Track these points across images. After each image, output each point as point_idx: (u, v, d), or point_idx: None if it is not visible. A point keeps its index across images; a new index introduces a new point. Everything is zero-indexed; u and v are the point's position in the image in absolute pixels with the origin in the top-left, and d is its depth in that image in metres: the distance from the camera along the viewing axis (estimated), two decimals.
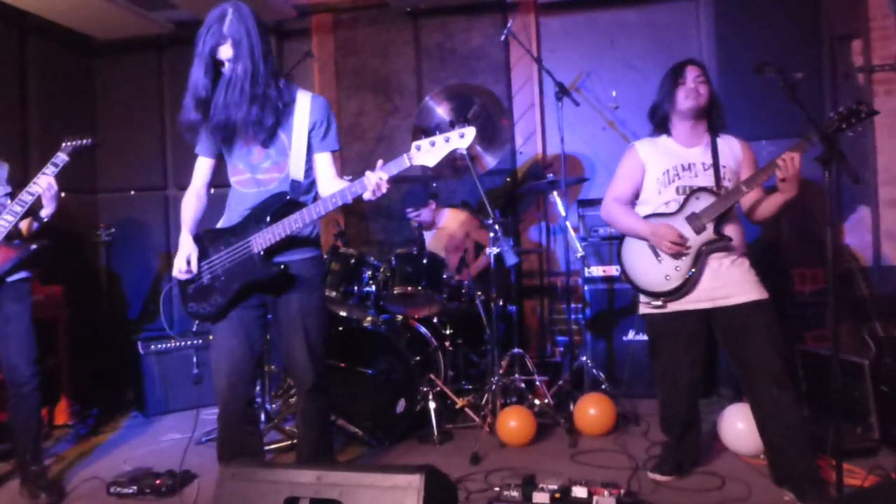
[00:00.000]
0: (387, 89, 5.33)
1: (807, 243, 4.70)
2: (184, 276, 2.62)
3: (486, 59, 5.17)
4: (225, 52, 2.48)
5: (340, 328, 3.78)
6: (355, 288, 3.90)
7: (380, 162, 2.47)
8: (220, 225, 2.73)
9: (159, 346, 4.50)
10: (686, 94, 2.84)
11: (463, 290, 4.10)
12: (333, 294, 3.86)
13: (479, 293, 4.08)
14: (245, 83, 2.47)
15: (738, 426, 3.19)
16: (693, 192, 2.80)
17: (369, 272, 3.93)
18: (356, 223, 5.36)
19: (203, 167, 2.76)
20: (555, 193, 4.12)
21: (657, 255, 2.84)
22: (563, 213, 4.15)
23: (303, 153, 2.63)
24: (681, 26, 4.94)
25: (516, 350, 4.05)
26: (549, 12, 5.10)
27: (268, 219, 2.55)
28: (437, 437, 3.62)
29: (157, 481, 3.05)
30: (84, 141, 3.22)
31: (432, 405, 3.67)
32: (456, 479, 3.06)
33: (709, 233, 2.76)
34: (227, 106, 2.48)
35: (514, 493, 2.61)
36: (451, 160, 4.05)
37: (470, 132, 2.40)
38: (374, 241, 5.30)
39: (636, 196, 3.00)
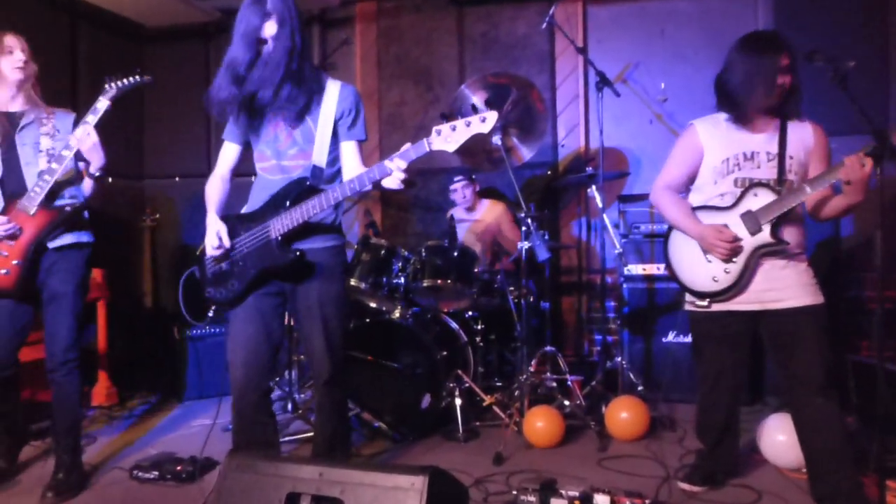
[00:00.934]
0: (428, 79, 5.26)
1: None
2: (217, 253, 2.60)
3: (530, 49, 5.04)
4: (269, 28, 2.45)
5: (367, 320, 3.73)
6: (385, 279, 3.84)
7: (407, 145, 2.41)
8: (243, 211, 2.71)
9: (195, 331, 4.54)
10: (769, 93, 2.52)
11: (495, 285, 4.01)
12: (363, 285, 3.81)
13: (511, 288, 3.98)
14: (286, 61, 2.45)
15: (778, 438, 3.01)
16: (751, 186, 2.57)
17: (400, 264, 3.86)
18: (393, 214, 5.30)
19: (229, 153, 2.75)
20: (593, 188, 3.97)
21: (706, 254, 2.65)
22: (600, 207, 3.99)
23: (327, 141, 2.59)
24: (737, 16, 4.71)
25: (548, 348, 3.93)
26: (597, 1, 4.94)
27: (287, 204, 2.51)
28: (463, 434, 3.54)
29: (179, 467, 3.06)
30: (130, 79, 2.89)
31: (458, 402, 3.59)
32: (477, 479, 2.98)
33: (765, 235, 2.54)
34: (263, 80, 2.46)
35: (532, 498, 2.51)
36: (487, 151, 3.96)
37: (491, 116, 2.29)
38: (411, 232, 5.24)
39: (691, 181, 2.78)
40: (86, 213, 3.07)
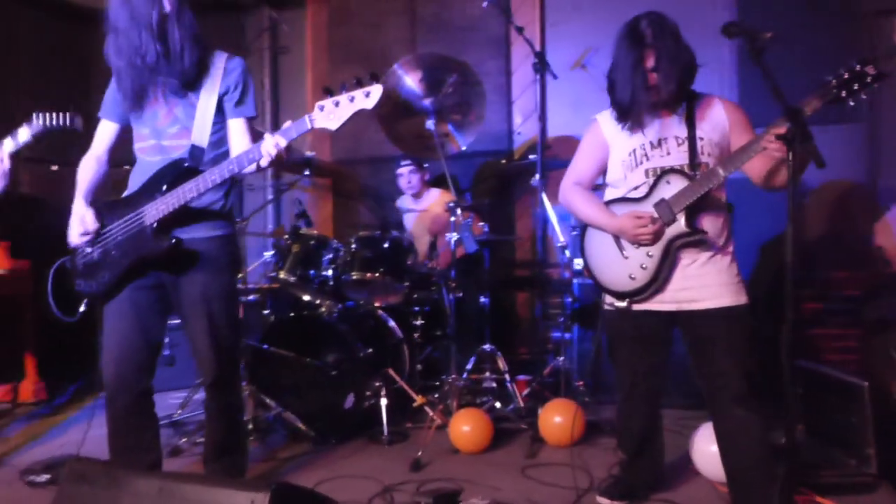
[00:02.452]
0: (379, 63, 5.02)
1: (841, 244, 4.24)
2: (84, 240, 2.39)
3: (484, 33, 4.80)
4: None
5: (291, 314, 3.54)
6: (313, 272, 3.63)
7: (288, 122, 2.22)
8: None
9: None
10: (643, 88, 2.30)
11: (433, 279, 3.80)
12: (291, 278, 3.62)
13: (451, 283, 3.77)
14: (184, 24, 2.30)
15: (710, 448, 2.76)
16: (664, 173, 2.36)
17: (330, 255, 3.66)
18: (343, 203, 5.10)
19: (106, 132, 2.53)
20: (536, 177, 3.74)
21: (622, 250, 2.44)
22: (544, 199, 3.76)
23: (209, 118, 2.39)
24: None
25: (487, 346, 3.71)
26: None
27: (163, 188, 2.31)
28: (387, 437, 3.34)
29: None
30: (59, 121, 2.67)
31: (384, 402, 3.38)
32: (386, 486, 2.78)
33: (679, 225, 2.32)
34: (156, 49, 2.27)
35: None
36: (424, 138, 3.71)
37: (376, 90, 2.12)
38: (360, 223, 5.04)
39: (602, 175, 2.59)
40: None
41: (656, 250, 2.35)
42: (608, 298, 2.52)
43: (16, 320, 4.15)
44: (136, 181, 2.44)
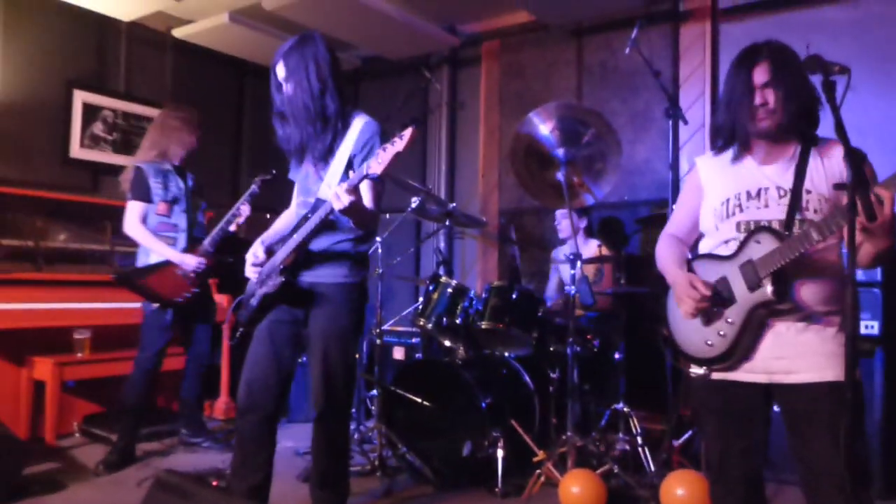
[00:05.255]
0: None
1: None
2: (254, 271, 2.72)
3: (650, 77, 4.62)
4: (280, 71, 2.62)
5: (420, 359, 3.68)
6: (446, 319, 3.75)
7: (351, 173, 2.43)
8: None
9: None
10: (747, 116, 2.06)
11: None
12: (428, 324, 3.78)
13: (588, 336, 3.65)
14: (305, 101, 2.57)
15: None
16: (755, 231, 2.09)
17: (466, 303, 3.75)
18: (508, 251, 5.17)
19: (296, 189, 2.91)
20: None
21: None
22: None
23: (338, 175, 2.60)
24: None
25: (619, 405, 3.51)
26: (730, 18, 4.41)
27: (293, 235, 2.61)
28: (501, 489, 3.30)
29: (214, 482, 3.25)
30: (267, 176, 3.84)
31: (500, 453, 3.35)
32: None
33: (765, 292, 2.02)
34: (295, 121, 2.60)
35: None
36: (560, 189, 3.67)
37: (408, 133, 2.21)
38: (524, 272, 5.06)
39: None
40: None
41: (737, 317, 2.08)
42: (691, 367, 2.28)
43: (217, 344, 4.83)
44: None
